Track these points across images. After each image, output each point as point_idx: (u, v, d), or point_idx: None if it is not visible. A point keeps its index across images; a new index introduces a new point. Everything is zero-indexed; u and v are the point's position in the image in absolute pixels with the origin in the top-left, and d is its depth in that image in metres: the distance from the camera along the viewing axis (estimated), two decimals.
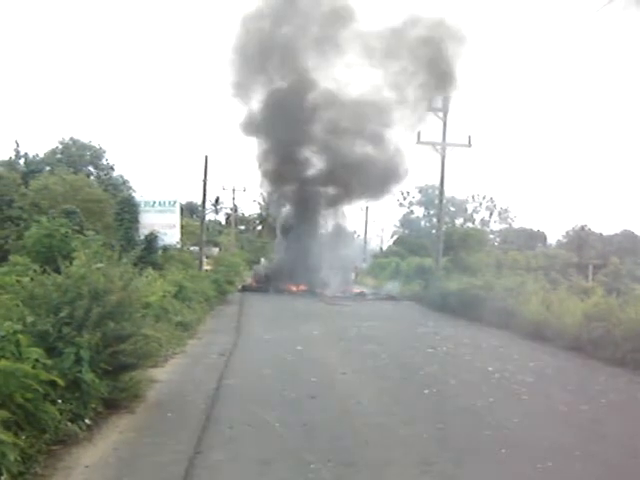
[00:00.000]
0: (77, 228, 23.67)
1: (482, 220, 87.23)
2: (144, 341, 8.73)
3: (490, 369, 12.40)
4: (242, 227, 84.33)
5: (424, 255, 46.51)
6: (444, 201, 36.95)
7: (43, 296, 8.18)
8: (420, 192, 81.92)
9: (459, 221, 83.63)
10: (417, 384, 10.80)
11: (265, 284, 37.12)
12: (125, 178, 56.67)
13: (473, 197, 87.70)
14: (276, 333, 17.13)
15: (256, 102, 39.83)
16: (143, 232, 31.23)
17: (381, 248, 74.46)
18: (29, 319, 7.58)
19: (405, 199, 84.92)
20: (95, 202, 36.72)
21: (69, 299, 8.05)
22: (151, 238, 29.95)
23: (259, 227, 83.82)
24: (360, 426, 8.05)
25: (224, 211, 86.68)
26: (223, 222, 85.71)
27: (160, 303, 15.48)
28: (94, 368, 7.64)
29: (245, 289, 36.24)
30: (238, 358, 13.03)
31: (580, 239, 68.50)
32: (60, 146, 56.96)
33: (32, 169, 49.06)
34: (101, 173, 57.01)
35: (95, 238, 21.63)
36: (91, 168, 57.08)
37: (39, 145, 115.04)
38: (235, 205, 73.00)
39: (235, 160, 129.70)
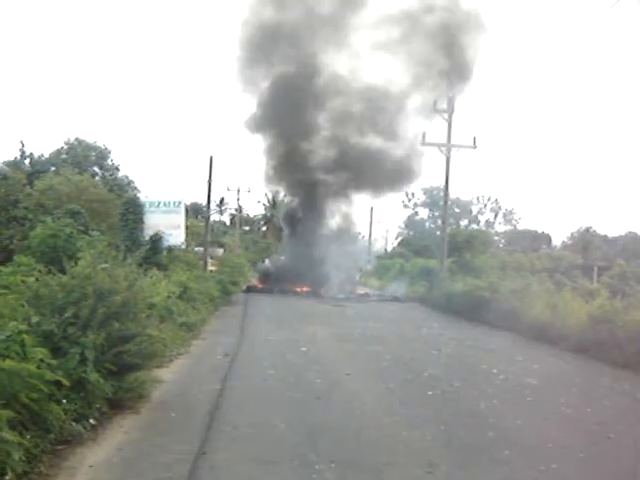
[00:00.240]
0: (82, 228, 23.71)
1: (487, 221, 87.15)
2: (149, 341, 8.75)
3: (494, 371, 12.38)
4: (247, 228, 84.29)
5: (429, 256, 46.44)
6: (449, 202, 36.91)
7: (48, 296, 8.20)
8: (425, 193, 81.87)
9: (464, 222, 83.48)
10: (421, 385, 10.79)
11: (269, 285, 37.11)
12: (130, 179, 56.68)
13: (478, 198, 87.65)
14: (280, 334, 17.14)
15: (264, 92, 39.56)
16: (148, 233, 31.23)
17: (386, 249, 74.42)
18: (34, 319, 7.60)
19: (410, 200, 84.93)
20: (100, 202, 36.74)
21: (74, 299, 8.06)
22: (156, 239, 29.96)
23: (264, 228, 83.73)
24: (364, 427, 8.04)
25: (229, 212, 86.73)
26: (228, 223, 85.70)
27: (165, 304, 15.52)
28: (99, 368, 7.66)
29: (250, 290, 36.25)
30: (242, 359, 13.03)
31: (585, 241, 68.33)
32: (65, 146, 57.02)
33: (37, 169, 49.08)
34: (106, 173, 57.02)
35: (100, 238, 21.65)
36: (96, 168, 57.10)
37: (44, 145, 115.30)
38: (240, 206, 73.01)
39: (240, 161, 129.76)
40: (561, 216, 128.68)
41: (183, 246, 33.74)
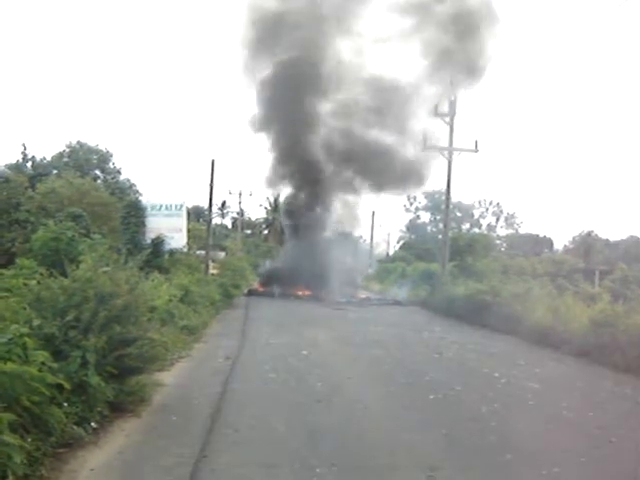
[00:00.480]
0: (84, 232, 23.71)
1: (489, 225, 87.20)
2: (150, 345, 8.74)
3: (496, 375, 12.38)
4: (248, 231, 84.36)
5: (430, 260, 46.43)
6: (450, 206, 36.84)
7: (50, 299, 8.21)
8: (426, 197, 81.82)
9: (465, 226, 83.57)
10: (423, 389, 10.78)
11: (271, 288, 37.07)
12: (132, 182, 56.84)
13: (480, 202, 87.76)
14: (282, 337, 17.13)
15: (267, 82, 38.93)
16: (149, 236, 31.20)
17: (387, 253, 74.40)
18: (35, 322, 7.60)
19: (411, 204, 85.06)
20: (102, 206, 36.79)
21: (75, 302, 8.07)
22: (157, 242, 29.93)
23: (265, 231, 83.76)
24: (365, 431, 8.04)
25: (230, 215, 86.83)
26: (229, 226, 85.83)
27: (166, 307, 15.52)
28: (100, 371, 7.66)
29: (251, 293, 36.25)
30: (244, 362, 13.03)
31: (587, 245, 68.27)
32: (67, 149, 57.20)
33: (39, 172, 49.19)
34: (108, 177, 57.18)
35: (101, 242, 21.63)
36: (98, 172, 57.27)
37: (46, 148, 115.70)
38: (241, 209, 73.16)
39: (242, 165, 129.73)
40: (563, 220, 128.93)
41: (185, 249, 33.67)
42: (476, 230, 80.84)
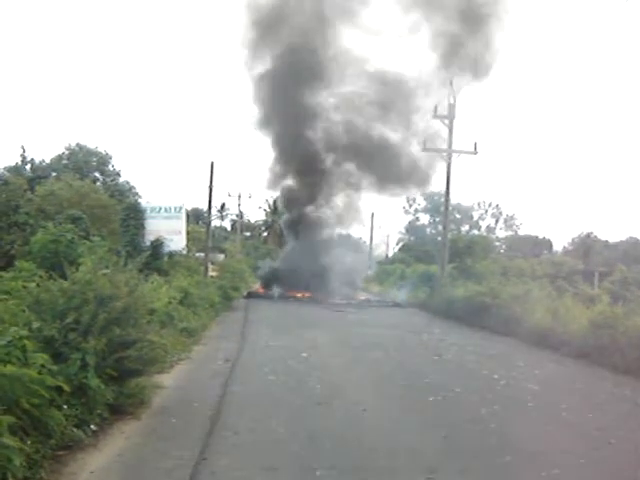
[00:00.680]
0: (83, 234, 23.70)
1: (488, 227, 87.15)
2: (149, 347, 8.75)
3: (495, 376, 12.37)
4: (248, 234, 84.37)
5: (429, 262, 46.40)
6: (450, 208, 36.83)
7: (49, 302, 8.21)
8: (426, 199, 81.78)
9: (465, 228, 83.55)
10: (422, 391, 10.77)
11: (270, 290, 37.07)
12: (131, 184, 56.77)
13: (479, 204, 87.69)
14: (281, 340, 17.12)
15: (269, 75, 38.62)
16: (149, 238, 31.19)
17: (386, 255, 74.38)
18: (35, 325, 7.60)
19: (411, 206, 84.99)
20: (101, 208, 36.76)
21: (75, 305, 8.07)
22: (157, 244, 29.91)
23: (265, 234, 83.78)
24: (365, 433, 8.04)
25: (230, 217, 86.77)
26: (229, 228, 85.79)
27: (166, 309, 15.52)
28: (100, 374, 7.66)
29: (250, 295, 36.25)
30: (243, 364, 13.02)
31: (586, 246, 68.25)
32: (66, 152, 57.14)
33: (38, 175, 49.14)
34: (107, 179, 57.11)
35: (101, 244, 21.66)
36: (97, 174, 57.20)
37: (45, 151, 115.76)
38: (241, 211, 73.02)
39: (241, 167, 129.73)
40: (562, 221, 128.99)
41: (184, 252, 33.67)
42: (475, 232, 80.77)
